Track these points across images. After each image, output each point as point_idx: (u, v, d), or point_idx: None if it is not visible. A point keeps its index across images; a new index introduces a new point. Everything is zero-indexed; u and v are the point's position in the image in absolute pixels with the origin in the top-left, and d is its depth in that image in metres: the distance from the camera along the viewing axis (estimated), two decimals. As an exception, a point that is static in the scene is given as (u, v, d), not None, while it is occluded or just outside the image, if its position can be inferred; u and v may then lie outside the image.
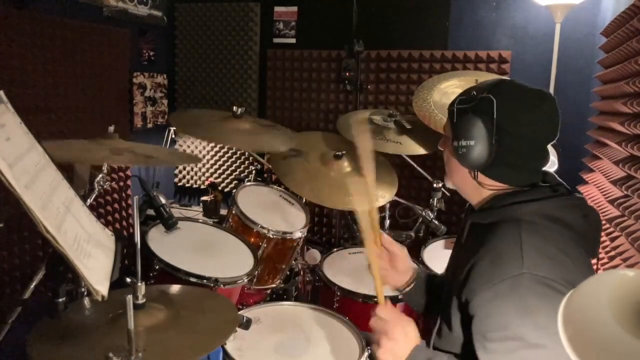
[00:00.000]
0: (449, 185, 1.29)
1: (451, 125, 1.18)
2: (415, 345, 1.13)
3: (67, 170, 1.32)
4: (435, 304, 1.42)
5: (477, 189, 1.19)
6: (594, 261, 1.47)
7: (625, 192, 1.79)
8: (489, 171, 1.14)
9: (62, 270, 1.02)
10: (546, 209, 1.07)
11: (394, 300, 1.76)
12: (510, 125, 1.08)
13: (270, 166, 2.64)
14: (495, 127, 1.08)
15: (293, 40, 3.48)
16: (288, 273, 2.29)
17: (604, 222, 1.88)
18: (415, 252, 2.31)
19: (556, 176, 1.18)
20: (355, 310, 1.80)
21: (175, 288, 1.37)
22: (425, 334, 1.47)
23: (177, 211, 3.56)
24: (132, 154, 1.59)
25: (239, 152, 3.70)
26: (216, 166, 3.77)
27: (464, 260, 1.12)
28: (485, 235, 1.10)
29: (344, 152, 2.33)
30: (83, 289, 1.19)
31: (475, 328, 1.05)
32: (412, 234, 2.40)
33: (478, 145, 1.10)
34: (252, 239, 2.05)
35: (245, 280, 1.81)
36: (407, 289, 1.43)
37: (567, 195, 1.13)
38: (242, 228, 2.08)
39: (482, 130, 1.09)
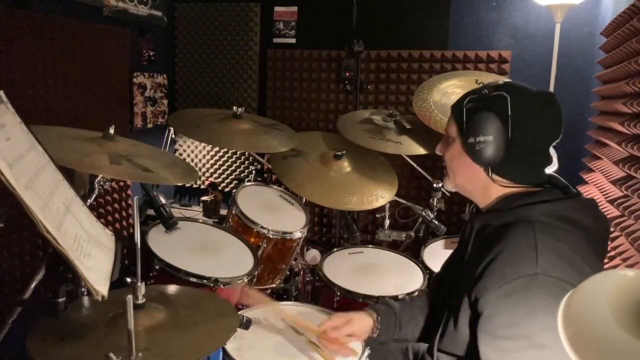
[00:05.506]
0: (450, 188, 1.29)
1: (460, 125, 1.17)
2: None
3: (67, 170, 1.32)
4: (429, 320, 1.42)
5: (484, 189, 1.19)
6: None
7: (625, 192, 1.78)
8: (502, 169, 1.14)
9: (62, 270, 1.02)
10: (559, 210, 1.07)
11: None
12: (523, 121, 1.09)
13: (270, 166, 2.64)
14: (510, 123, 1.09)
15: (293, 40, 3.48)
16: (288, 273, 2.29)
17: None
18: (415, 252, 2.32)
19: (561, 178, 1.18)
20: (355, 310, 1.79)
21: (175, 288, 1.37)
22: (427, 337, 1.46)
23: (177, 211, 3.56)
24: (130, 163, 1.58)
25: (239, 152, 3.70)
26: (216, 166, 3.77)
27: (475, 261, 1.11)
28: (496, 236, 1.10)
29: (344, 152, 2.33)
30: (83, 289, 1.19)
31: (482, 325, 1.05)
32: (412, 234, 2.40)
33: (494, 140, 1.10)
34: (252, 239, 2.05)
35: (245, 280, 1.81)
36: (376, 332, 1.40)
37: (577, 196, 1.13)
38: (242, 228, 2.08)
39: (498, 125, 1.10)
